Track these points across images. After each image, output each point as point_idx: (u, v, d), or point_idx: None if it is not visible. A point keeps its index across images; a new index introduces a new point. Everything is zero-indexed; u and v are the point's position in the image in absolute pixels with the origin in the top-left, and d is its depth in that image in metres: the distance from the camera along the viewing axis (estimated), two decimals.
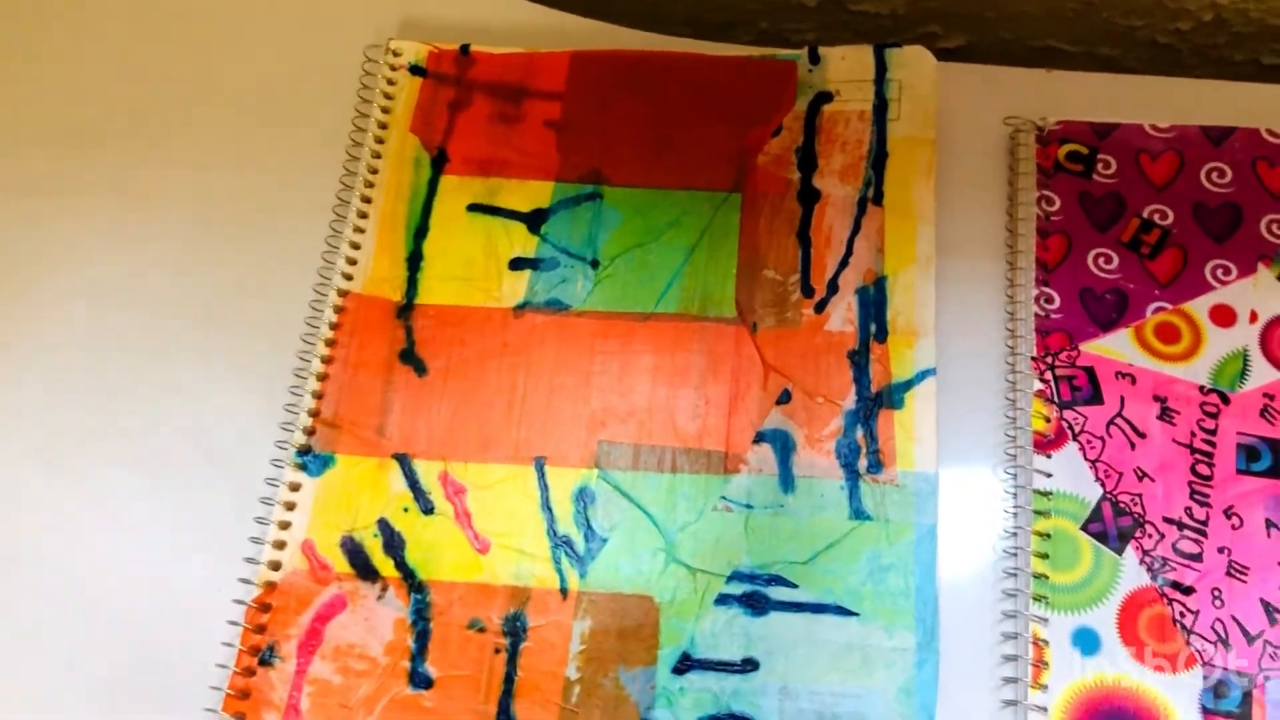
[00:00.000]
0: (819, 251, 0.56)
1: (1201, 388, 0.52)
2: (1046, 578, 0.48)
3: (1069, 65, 0.66)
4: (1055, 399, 0.52)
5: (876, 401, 0.52)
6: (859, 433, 0.51)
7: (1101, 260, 0.55)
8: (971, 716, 0.46)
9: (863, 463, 0.51)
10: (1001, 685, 0.47)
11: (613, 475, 0.51)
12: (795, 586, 0.48)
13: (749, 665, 0.47)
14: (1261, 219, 0.55)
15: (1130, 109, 0.58)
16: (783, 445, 0.51)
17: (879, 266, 0.55)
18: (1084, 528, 0.49)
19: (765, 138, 0.58)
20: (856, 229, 0.56)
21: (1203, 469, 0.50)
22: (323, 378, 0.54)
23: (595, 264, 0.56)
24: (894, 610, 0.47)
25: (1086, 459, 0.51)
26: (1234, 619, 0.47)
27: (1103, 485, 0.50)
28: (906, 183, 0.56)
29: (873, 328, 0.54)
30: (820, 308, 0.54)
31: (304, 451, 0.52)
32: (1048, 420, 0.51)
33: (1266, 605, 0.47)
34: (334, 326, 0.55)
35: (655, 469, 0.51)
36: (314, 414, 0.53)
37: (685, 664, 0.47)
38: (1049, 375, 0.52)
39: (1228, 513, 0.49)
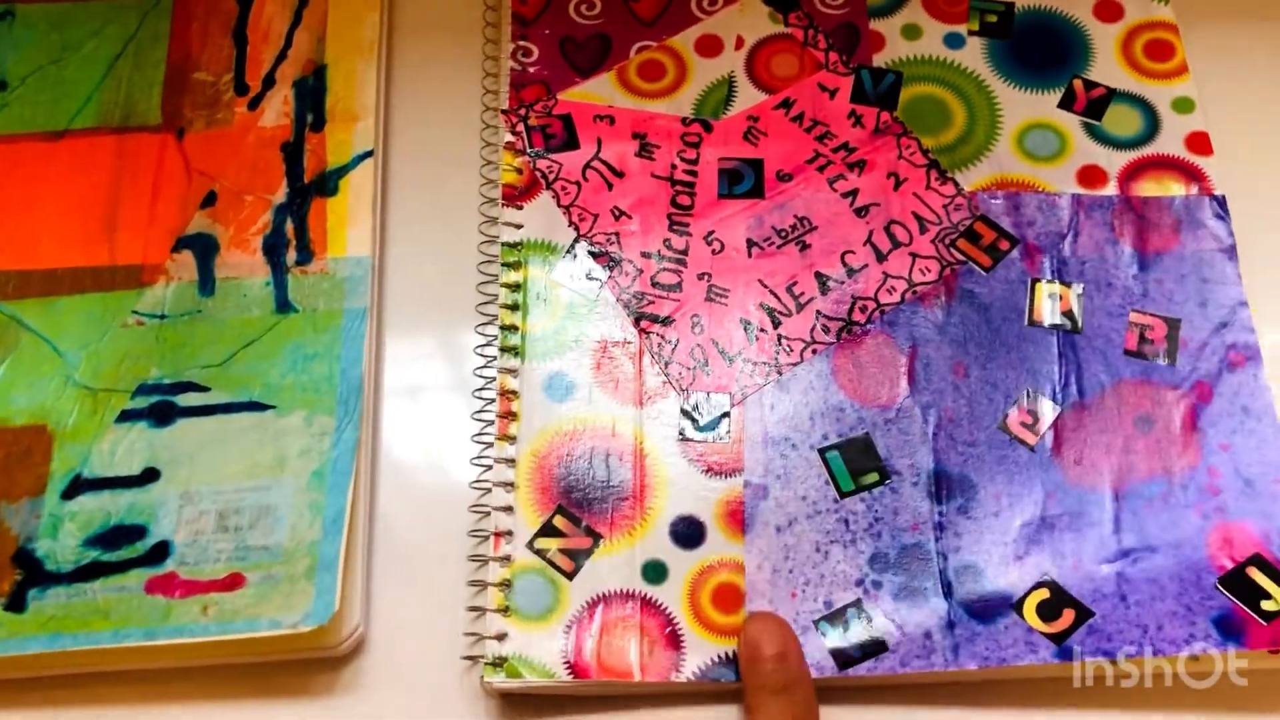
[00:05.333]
0: (255, 49, 0.51)
1: (684, 119, 0.50)
2: (516, 329, 0.45)
3: None
4: (527, 149, 0.49)
5: (308, 191, 0.48)
6: (289, 226, 0.47)
7: (584, 8, 0.53)
8: (449, 476, 0.44)
9: (291, 255, 0.46)
10: (471, 445, 0.44)
11: (9, 306, 0.45)
12: (208, 390, 0.44)
13: (149, 477, 0.42)
14: None
15: None
16: (204, 248, 0.47)
17: (320, 55, 0.51)
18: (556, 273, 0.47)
19: None
20: (297, 21, 0.52)
21: (683, 199, 0.48)
22: None
23: (4, 86, 0.50)
24: (315, 398, 0.43)
25: (560, 205, 0.48)
26: (713, 342, 0.45)
27: (577, 229, 0.47)
28: None
29: (310, 118, 0.49)
30: (255, 104, 0.50)
31: None
32: (519, 172, 0.48)
33: (745, 324, 0.46)
34: None
35: (60, 293, 0.46)
36: None
37: (77, 487, 0.42)
38: (521, 127, 0.49)
39: (708, 238, 0.48)
